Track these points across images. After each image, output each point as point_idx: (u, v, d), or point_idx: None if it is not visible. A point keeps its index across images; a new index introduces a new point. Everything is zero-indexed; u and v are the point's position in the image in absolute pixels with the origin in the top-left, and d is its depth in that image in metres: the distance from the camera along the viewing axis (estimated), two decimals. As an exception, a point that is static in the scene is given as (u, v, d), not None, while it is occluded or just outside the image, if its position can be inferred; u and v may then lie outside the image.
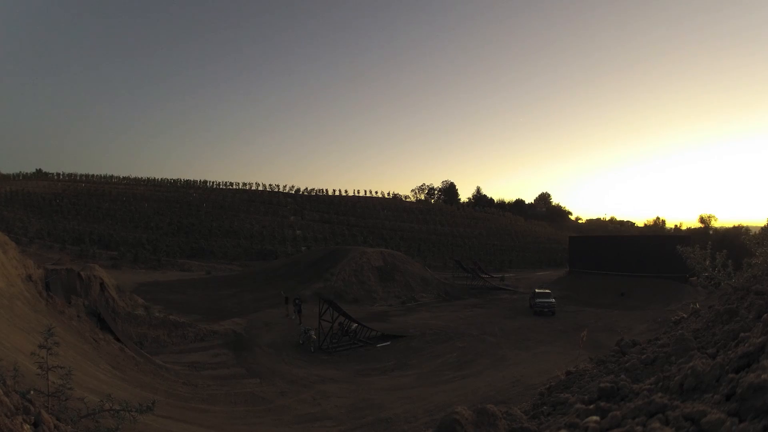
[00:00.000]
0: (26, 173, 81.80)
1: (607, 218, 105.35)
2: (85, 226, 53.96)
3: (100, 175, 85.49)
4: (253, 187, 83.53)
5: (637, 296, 30.31)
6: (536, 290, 29.74)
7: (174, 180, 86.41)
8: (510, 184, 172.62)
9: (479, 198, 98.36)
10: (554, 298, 28.36)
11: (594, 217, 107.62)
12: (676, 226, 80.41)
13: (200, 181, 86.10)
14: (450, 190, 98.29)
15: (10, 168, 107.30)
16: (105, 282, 17.68)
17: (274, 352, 18.52)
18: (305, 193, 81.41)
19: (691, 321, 4.84)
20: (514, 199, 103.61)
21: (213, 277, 37.85)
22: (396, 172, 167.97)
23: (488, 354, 18.66)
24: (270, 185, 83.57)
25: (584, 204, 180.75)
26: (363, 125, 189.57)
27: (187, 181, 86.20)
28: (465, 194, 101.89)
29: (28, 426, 3.63)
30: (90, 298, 16.32)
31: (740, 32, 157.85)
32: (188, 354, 17.14)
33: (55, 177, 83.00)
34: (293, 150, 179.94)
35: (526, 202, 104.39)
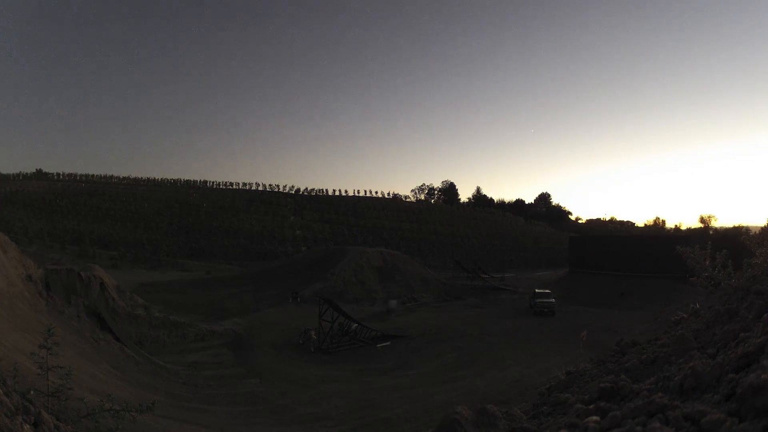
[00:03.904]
0: (26, 173, 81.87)
1: (607, 218, 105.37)
2: (85, 226, 53.96)
3: (100, 175, 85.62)
4: (253, 187, 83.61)
5: (637, 296, 30.28)
6: (536, 290, 29.74)
7: (174, 180, 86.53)
8: (510, 184, 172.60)
9: (479, 198, 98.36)
10: (554, 298, 28.36)
11: (594, 217, 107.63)
12: (676, 226, 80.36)
13: (200, 181, 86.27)
14: (450, 190, 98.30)
15: (10, 168, 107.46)
16: (105, 282, 17.67)
17: (274, 352, 18.53)
18: (305, 193, 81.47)
19: (691, 321, 4.84)
20: (514, 199, 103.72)
21: (213, 277, 37.85)
22: (396, 172, 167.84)
23: (488, 354, 18.65)
24: (270, 185, 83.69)
25: (584, 204, 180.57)
26: (363, 125, 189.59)
27: (187, 181, 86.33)
28: (465, 194, 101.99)
29: (28, 426, 3.63)
30: (90, 298, 16.31)
31: (741, 32, 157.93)
32: (188, 354, 17.14)
33: (55, 177, 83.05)
34: (293, 150, 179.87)
35: (526, 202, 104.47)
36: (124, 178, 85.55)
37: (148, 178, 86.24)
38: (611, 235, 62.67)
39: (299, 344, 19.51)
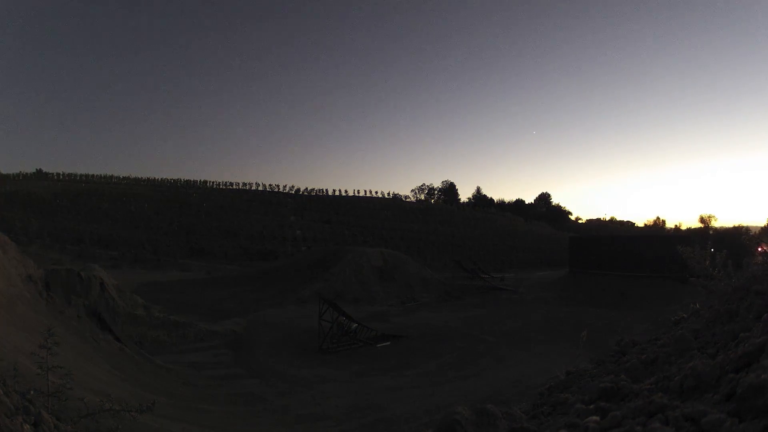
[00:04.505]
0: (26, 173, 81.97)
1: (607, 218, 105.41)
2: (85, 226, 53.95)
3: (100, 175, 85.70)
4: (253, 187, 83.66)
5: (637, 296, 30.28)
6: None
7: (174, 180, 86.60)
8: (510, 184, 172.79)
9: (479, 198, 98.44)
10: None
11: (594, 217, 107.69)
12: (676, 226, 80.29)
13: (200, 181, 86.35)
14: (450, 190, 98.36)
15: (10, 168, 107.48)
16: (105, 282, 17.67)
17: (274, 352, 18.52)
18: (305, 193, 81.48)
19: (691, 321, 4.84)
20: (514, 199, 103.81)
21: (213, 277, 37.85)
22: (396, 172, 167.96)
23: (488, 354, 18.66)
24: (270, 185, 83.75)
25: (584, 204, 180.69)
26: (363, 125, 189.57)
27: (187, 181, 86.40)
28: (465, 194, 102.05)
29: (28, 426, 3.63)
30: (90, 298, 16.30)
31: (741, 31, 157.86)
32: (188, 354, 17.14)
33: (55, 177, 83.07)
34: (293, 150, 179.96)
35: (526, 202, 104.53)
36: (124, 178, 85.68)
37: (148, 178, 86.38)
38: (611, 235, 62.59)
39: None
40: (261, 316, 24.48)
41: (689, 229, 67.49)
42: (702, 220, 67.56)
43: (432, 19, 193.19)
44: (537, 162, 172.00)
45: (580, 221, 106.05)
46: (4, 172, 78.04)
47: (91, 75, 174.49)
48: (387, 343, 20.24)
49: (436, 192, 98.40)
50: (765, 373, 1.57)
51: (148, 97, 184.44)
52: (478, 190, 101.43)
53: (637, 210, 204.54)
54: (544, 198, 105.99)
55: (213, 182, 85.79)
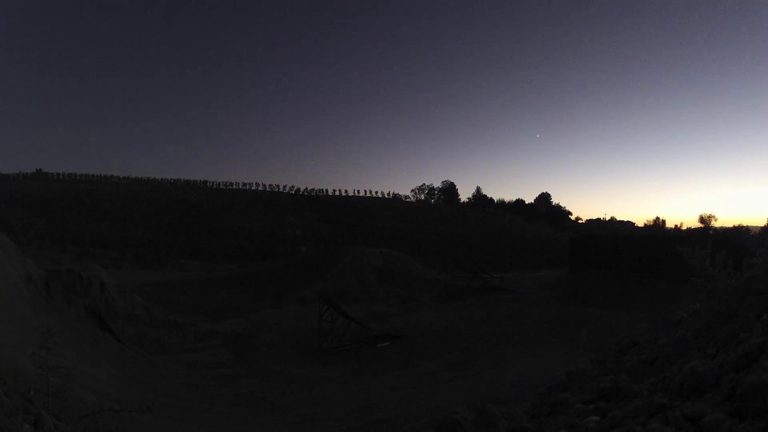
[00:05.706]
0: (26, 173, 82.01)
1: (607, 218, 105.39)
2: (85, 226, 53.95)
3: (100, 175, 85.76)
4: (253, 187, 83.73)
5: (638, 296, 30.25)
6: None
7: (174, 180, 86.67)
8: (510, 184, 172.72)
9: (479, 198, 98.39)
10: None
11: (594, 217, 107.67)
12: (676, 226, 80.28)
13: (200, 181, 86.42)
14: (450, 190, 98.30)
15: (10, 168, 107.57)
16: (105, 282, 17.68)
17: (274, 352, 18.52)
18: (305, 193, 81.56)
19: (691, 321, 4.83)
20: (514, 199, 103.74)
21: (213, 277, 37.85)
22: (396, 172, 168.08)
23: (488, 354, 18.65)
24: (270, 185, 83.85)
25: (584, 204, 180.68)
26: (363, 125, 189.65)
27: (187, 181, 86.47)
28: (465, 194, 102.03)
29: (28, 426, 3.63)
30: (90, 298, 16.31)
31: (741, 30, 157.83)
32: (188, 354, 17.14)
33: (55, 177, 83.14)
34: (293, 150, 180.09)
35: (526, 202, 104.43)
36: (124, 178, 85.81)
37: (148, 178, 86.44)
38: (611, 235, 62.58)
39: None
40: (261, 316, 24.48)
41: (689, 229, 67.55)
42: (702, 220, 67.58)
43: (432, 19, 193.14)
44: (537, 162, 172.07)
45: (580, 221, 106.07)
46: (4, 172, 78.11)
47: (92, 75, 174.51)
48: (387, 343, 20.24)
49: (436, 192, 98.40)
50: (765, 373, 1.57)
51: (148, 98, 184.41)
52: (478, 190, 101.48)
53: (637, 210, 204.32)
54: (544, 198, 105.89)
55: (213, 182, 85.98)
